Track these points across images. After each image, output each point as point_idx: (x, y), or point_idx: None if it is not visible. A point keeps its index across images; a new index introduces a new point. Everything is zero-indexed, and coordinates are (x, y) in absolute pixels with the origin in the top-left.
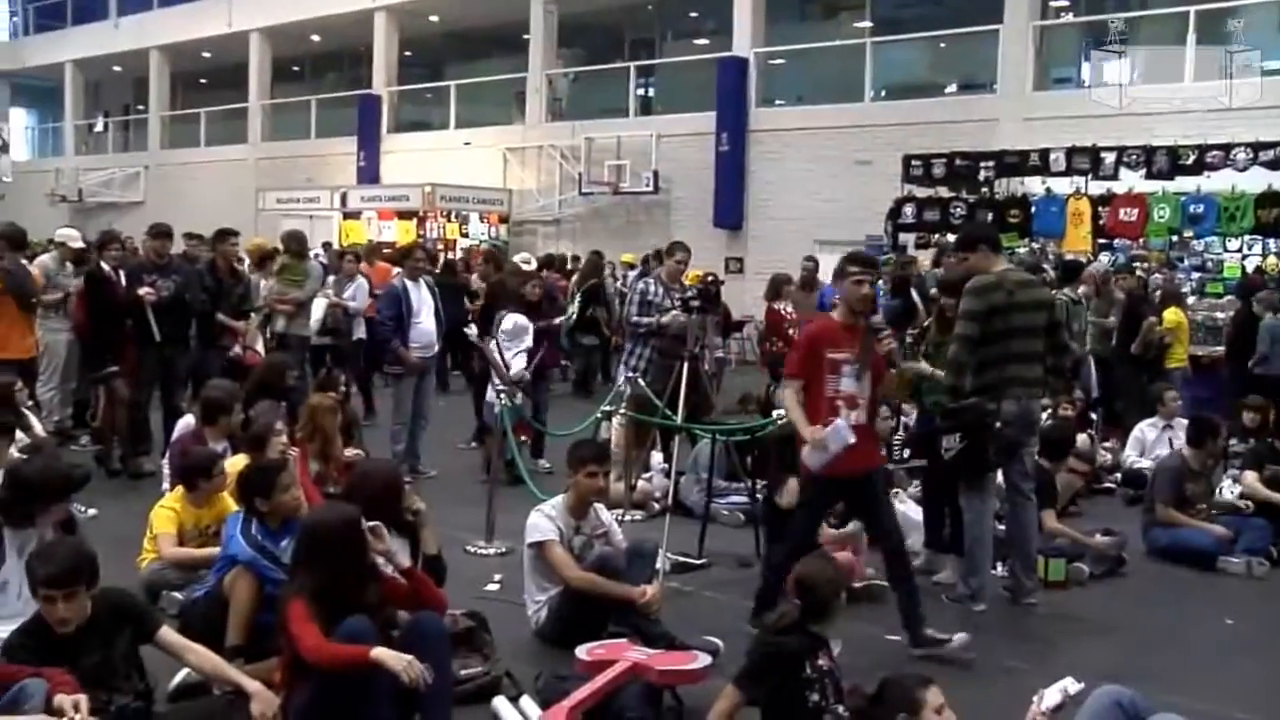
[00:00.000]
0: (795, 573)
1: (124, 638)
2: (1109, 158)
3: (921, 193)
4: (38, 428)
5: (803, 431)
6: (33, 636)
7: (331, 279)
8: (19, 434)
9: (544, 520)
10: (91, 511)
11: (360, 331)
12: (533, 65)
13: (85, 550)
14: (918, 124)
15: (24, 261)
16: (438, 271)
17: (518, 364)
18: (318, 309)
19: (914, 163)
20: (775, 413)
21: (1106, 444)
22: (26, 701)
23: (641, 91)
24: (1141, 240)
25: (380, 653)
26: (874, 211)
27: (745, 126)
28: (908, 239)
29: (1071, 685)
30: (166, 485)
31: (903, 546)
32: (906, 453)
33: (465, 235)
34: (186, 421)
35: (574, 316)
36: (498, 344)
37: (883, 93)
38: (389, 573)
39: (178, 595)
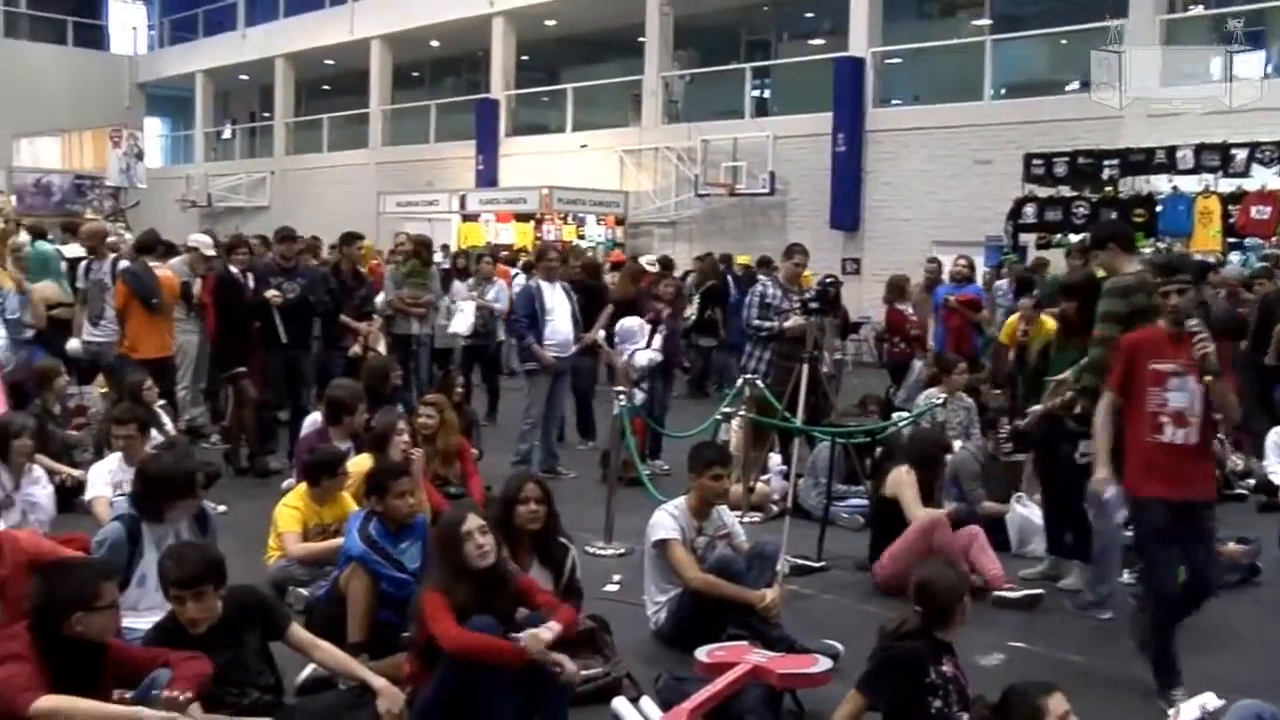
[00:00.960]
0: (916, 578)
1: (255, 635)
2: (1240, 154)
3: (1043, 192)
4: (169, 426)
5: (1098, 468)
6: (167, 634)
7: (463, 283)
8: (153, 433)
9: (667, 519)
10: (221, 508)
11: (501, 333)
12: (649, 68)
13: (213, 553)
14: (1039, 122)
15: (154, 264)
16: (579, 273)
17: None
18: (469, 312)
19: (1035, 161)
20: (896, 414)
21: (1237, 450)
22: (157, 688)
23: (757, 93)
24: (1275, 239)
25: (531, 640)
26: (994, 212)
27: (862, 127)
28: (1028, 239)
29: (1211, 701)
30: (291, 481)
31: (1207, 598)
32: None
33: (582, 238)
34: (313, 419)
35: (693, 318)
36: (613, 345)
37: (1002, 91)
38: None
39: (303, 591)
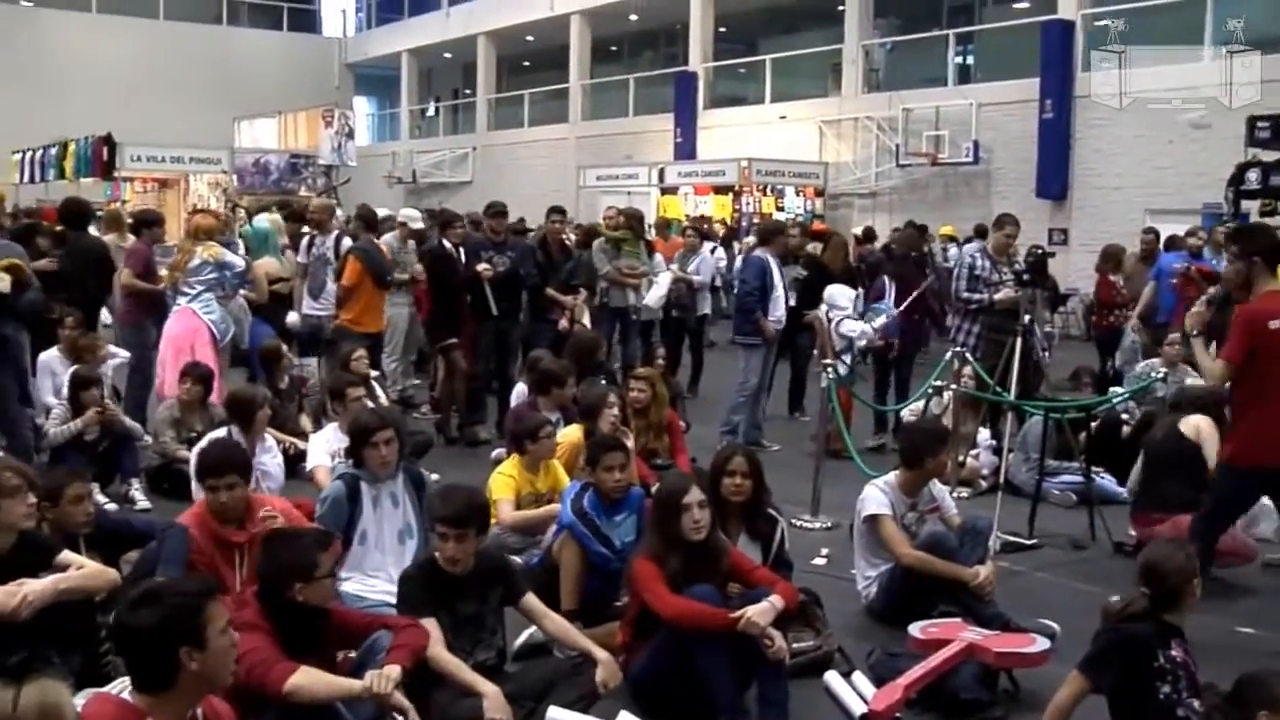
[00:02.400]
0: (1144, 558)
1: (496, 594)
2: None
3: (1269, 156)
4: (382, 396)
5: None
6: (425, 571)
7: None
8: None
9: (878, 494)
10: (435, 476)
11: (705, 306)
12: (848, 36)
13: (479, 497)
14: (1266, 83)
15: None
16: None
17: (845, 328)
18: (663, 284)
19: (1260, 124)
20: (1113, 390)
21: None
22: (378, 653)
23: (960, 59)
24: None
25: (755, 612)
26: (1213, 178)
27: (1071, 93)
28: (1251, 206)
29: None
30: (500, 452)
31: None
32: None
33: (781, 209)
34: (520, 390)
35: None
36: (827, 315)
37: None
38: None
39: (518, 560)
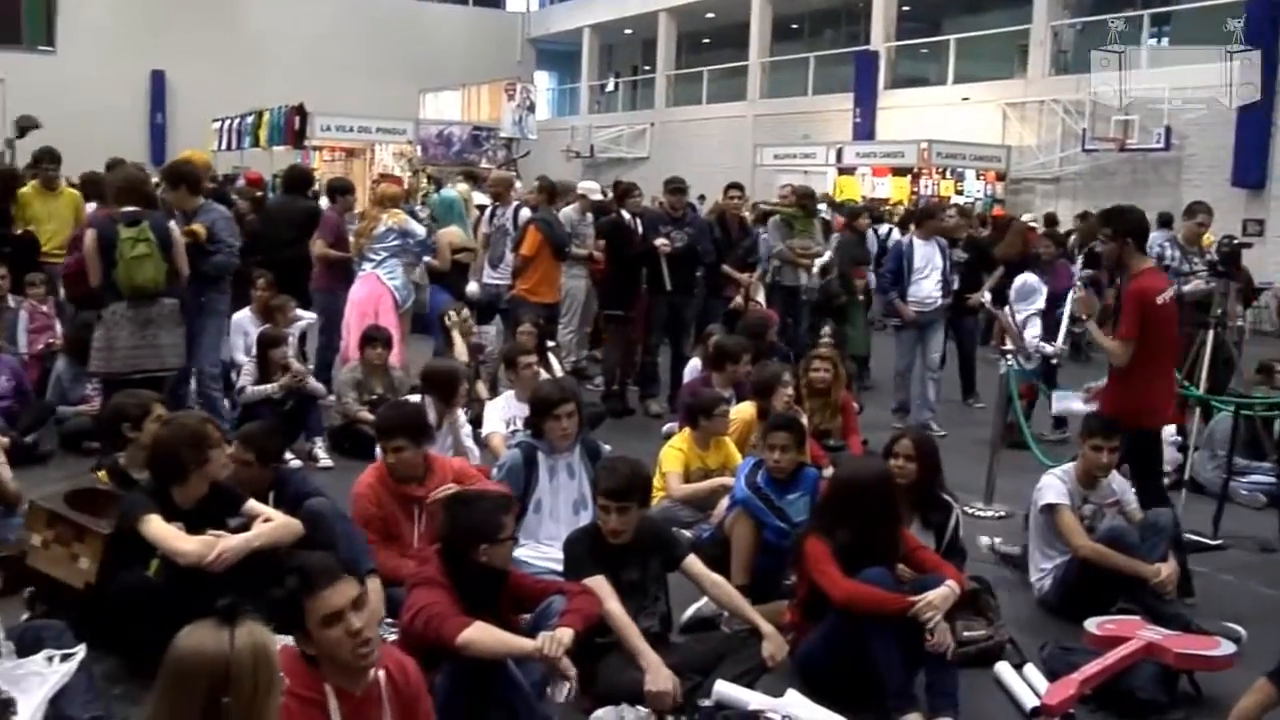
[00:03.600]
0: None
1: (656, 561)
2: None
3: None
4: (557, 367)
5: None
6: (590, 537)
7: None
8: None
9: (1057, 483)
10: (607, 448)
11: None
12: (1037, 16)
13: (643, 471)
14: None
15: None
16: (986, 234)
17: (1032, 331)
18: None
19: None
20: None
21: None
22: (552, 617)
23: (1154, 41)
24: None
25: (935, 597)
26: None
27: (1276, 75)
28: None
29: None
30: (672, 426)
31: None
32: None
33: (960, 193)
34: (694, 365)
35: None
36: (1010, 306)
37: None
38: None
39: (687, 533)
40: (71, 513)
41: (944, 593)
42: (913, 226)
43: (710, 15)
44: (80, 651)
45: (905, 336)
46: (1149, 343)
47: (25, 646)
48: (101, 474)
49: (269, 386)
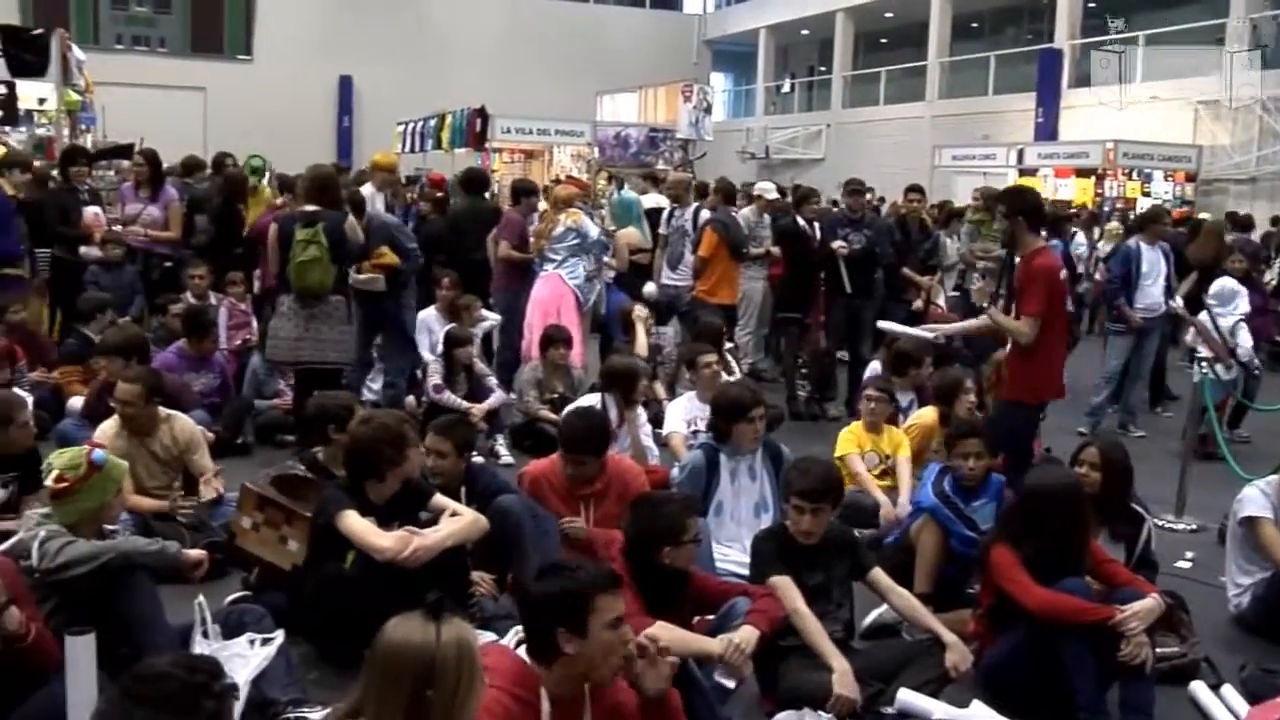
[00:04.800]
0: None
1: (843, 566)
2: None
3: None
4: (736, 369)
5: None
6: (777, 538)
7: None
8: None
9: (1258, 495)
10: (785, 450)
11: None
12: (1234, 9)
13: (836, 472)
14: None
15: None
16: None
17: (1244, 340)
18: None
19: None
20: None
21: None
22: (735, 618)
23: None
24: None
25: (1141, 609)
26: None
27: None
28: None
29: None
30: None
31: None
32: None
33: (1147, 194)
34: (874, 368)
35: (1273, 282)
36: (1208, 310)
37: None
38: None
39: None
40: (281, 497)
41: (1149, 605)
42: (1086, 227)
43: (888, 14)
44: (279, 636)
45: (1121, 342)
46: (1051, 318)
47: (228, 629)
48: (299, 468)
49: (459, 401)
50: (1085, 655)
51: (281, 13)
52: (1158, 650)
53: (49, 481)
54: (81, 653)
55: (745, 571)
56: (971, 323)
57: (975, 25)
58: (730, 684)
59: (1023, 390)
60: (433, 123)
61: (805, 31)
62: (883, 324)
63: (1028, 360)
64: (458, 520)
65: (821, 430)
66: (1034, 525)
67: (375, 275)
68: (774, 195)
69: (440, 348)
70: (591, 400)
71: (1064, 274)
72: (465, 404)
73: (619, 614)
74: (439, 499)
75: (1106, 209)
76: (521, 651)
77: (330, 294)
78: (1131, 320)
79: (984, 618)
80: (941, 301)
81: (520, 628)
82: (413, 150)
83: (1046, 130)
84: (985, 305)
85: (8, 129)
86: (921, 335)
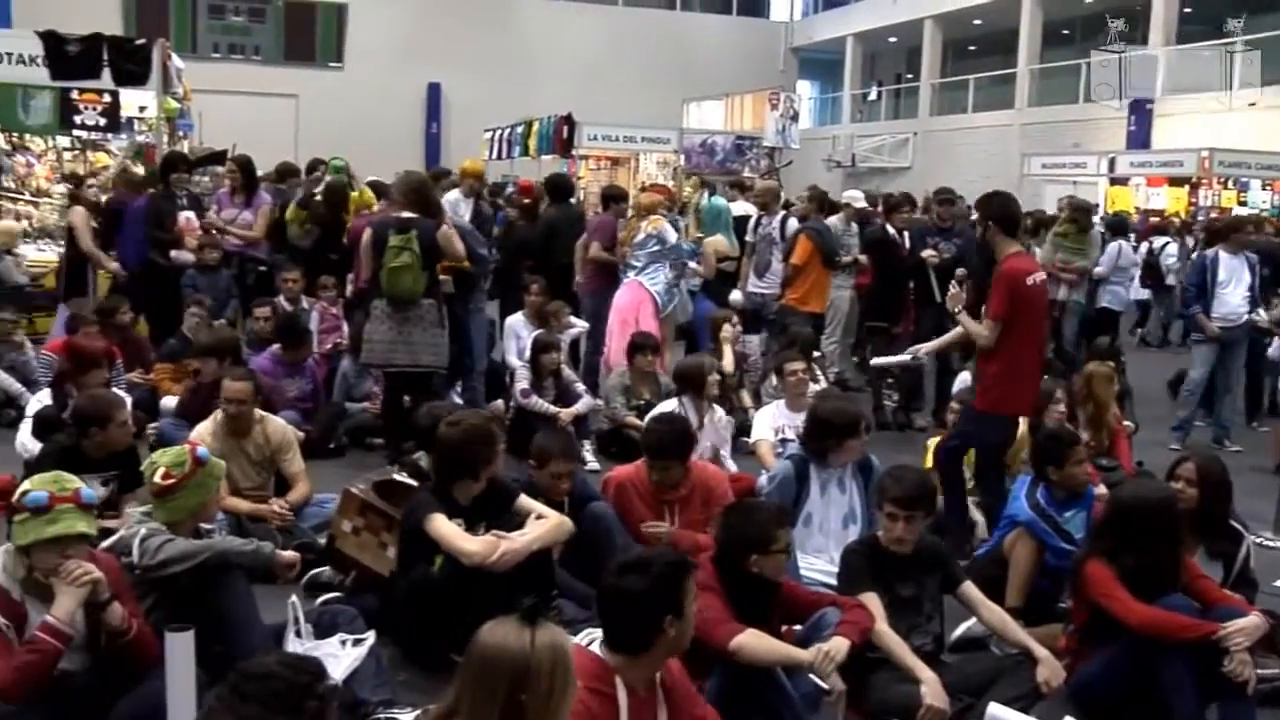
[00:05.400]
0: None
1: (934, 580)
2: None
3: None
4: (821, 377)
5: None
6: (869, 548)
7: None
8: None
9: None
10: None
11: (1106, 299)
12: None
13: (930, 481)
14: None
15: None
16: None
17: None
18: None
19: None
20: None
21: None
22: (825, 629)
23: None
24: None
25: (1248, 625)
26: None
27: None
28: None
29: None
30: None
31: None
32: None
33: (1243, 203)
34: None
35: None
36: None
37: None
38: None
39: None
40: (383, 503)
41: (1254, 622)
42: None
43: (977, 21)
44: (370, 637)
45: (1204, 352)
46: (1016, 324)
47: (320, 629)
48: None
49: (549, 406)
50: (1184, 674)
51: (372, 21)
52: (1259, 671)
53: (155, 479)
54: (181, 649)
55: (832, 581)
56: (947, 336)
57: (1066, 32)
58: (825, 686)
59: (987, 400)
60: (520, 129)
61: (893, 39)
62: (875, 360)
63: (993, 369)
64: (544, 523)
65: (909, 440)
66: (1128, 540)
67: (445, 278)
68: (862, 203)
69: (528, 353)
70: (669, 405)
71: (1038, 279)
72: (553, 409)
73: (695, 591)
74: (524, 501)
75: (1201, 218)
76: (594, 647)
77: (422, 298)
78: (1207, 329)
79: (1076, 633)
80: None
81: (593, 630)
82: (500, 157)
83: (1139, 138)
84: (957, 311)
85: (110, 136)
86: (901, 360)
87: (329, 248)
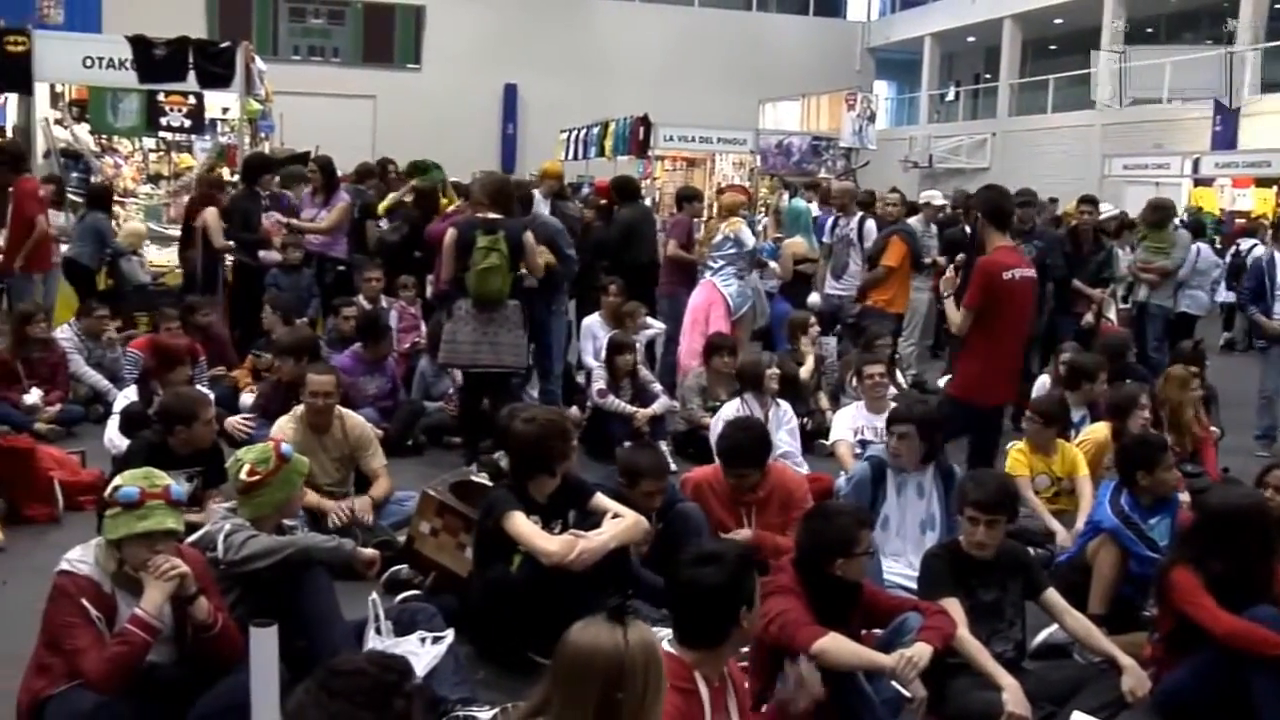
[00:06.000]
0: None
1: (1016, 586)
2: None
3: None
4: (900, 378)
5: None
6: (950, 553)
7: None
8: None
9: None
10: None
11: (1185, 304)
12: None
13: (1011, 485)
14: None
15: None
16: None
17: None
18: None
19: None
20: None
21: None
22: (906, 634)
23: None
24: None
25: None
26: None
27: None
28: None
29: None
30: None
31: None
32: None
33: None
34: (1042, 383)
35: None
36: None
37: None
38: None
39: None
40: (461, 505)
41: None
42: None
43: (1058, 20)
44: (449, 635)
45: (1275, 355)
46: (993, 317)
47: (400, 626)
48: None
49: (625, 406)
50: (1275, 688)
51: (450, 23)
52: None
53: (241, 475)
54: (264, 644)
55: (911, 585)
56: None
57: (1150, 30)
58: (908, 694)
59: (961, 387)
60: (596, 130)
61: (971, 39)
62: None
63: (968, 359)
64: (620, 522)
65: None
66: (1217, 547)
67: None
68: (940, 202)
69: (604, 354)
70: (731, 405)
71: (1018, 274)
72: (630, 408)
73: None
74: (600, 499)
75: None
76: (667, 645)
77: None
78: (1268, 330)
79: (1162, 641)
80: (1113, 315)
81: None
82: (575, 158)
83: (1225, 138)
84: (946, 295)
85: (194, 137)
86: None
87: (415, 246)
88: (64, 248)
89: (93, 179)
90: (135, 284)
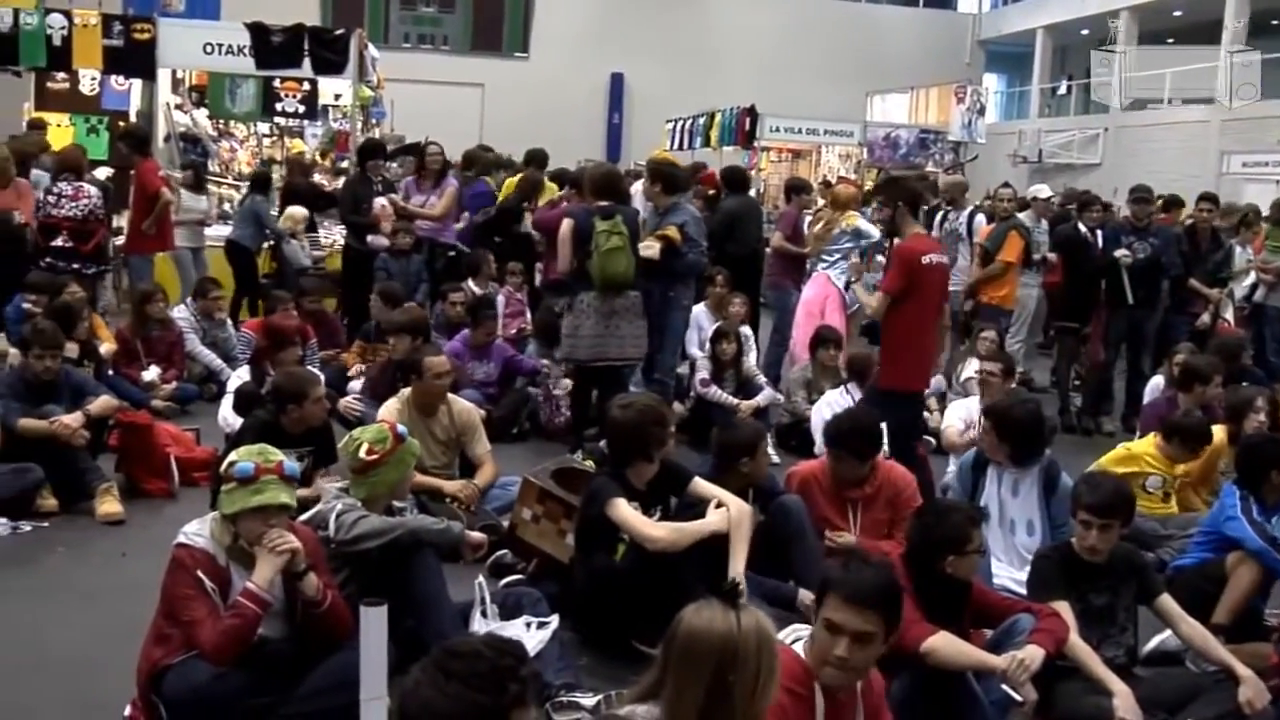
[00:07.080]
0: None
1: (1129, 590)
2: None
3: None
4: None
5: None
6: (1062, 555)
7: None
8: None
9: None
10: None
11: None
12: None
13: (1126, 490)
14: None
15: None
16: None
17: None
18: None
19: None
20: None
21: None
22: (1017, 635)
23: None
24: None
25: None
26: None
27: None
28: None
29: None
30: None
31: None
32: None
33: None
34: (1155, 384)
35: None
36: None
37: None
38: None
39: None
40: (562, 491)
41: None
42: None
43: (1177, 13)
44: (554, 621)
45: None
46: (914, 302)
47: (506, 610)
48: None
49: (730, 398)
50: None
51: (558, 11)
52: None
53: (360, 454)
54: (375, 623)
55: (1010, 584)
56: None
57: (1276, 22)
58: (1018, 698)
59: (889, 378)
60: (702, 120)
61: (1085, 31)
62: None
63: (891, 346)
64: (724, 511)
65: (1095, 445)
66: None
67: (653, 243)
68: (1048, 195)
69: (709, 345)
70: (834, 394)
71: (934, 259)
72: (733, 400)
73: (834, 623)
74: (700, 484)
75: None
76: (796, 648)
77: (629, 287)
78: None
79: None
80: (1229, 315)
81: (798, 627)
82: (681, 148)
83: None
84: (854, 280)
85: (307, 123)
86: None
87: (497, 231)
88: (221, 230)
89: (209, 163)
90: (298, 267)
